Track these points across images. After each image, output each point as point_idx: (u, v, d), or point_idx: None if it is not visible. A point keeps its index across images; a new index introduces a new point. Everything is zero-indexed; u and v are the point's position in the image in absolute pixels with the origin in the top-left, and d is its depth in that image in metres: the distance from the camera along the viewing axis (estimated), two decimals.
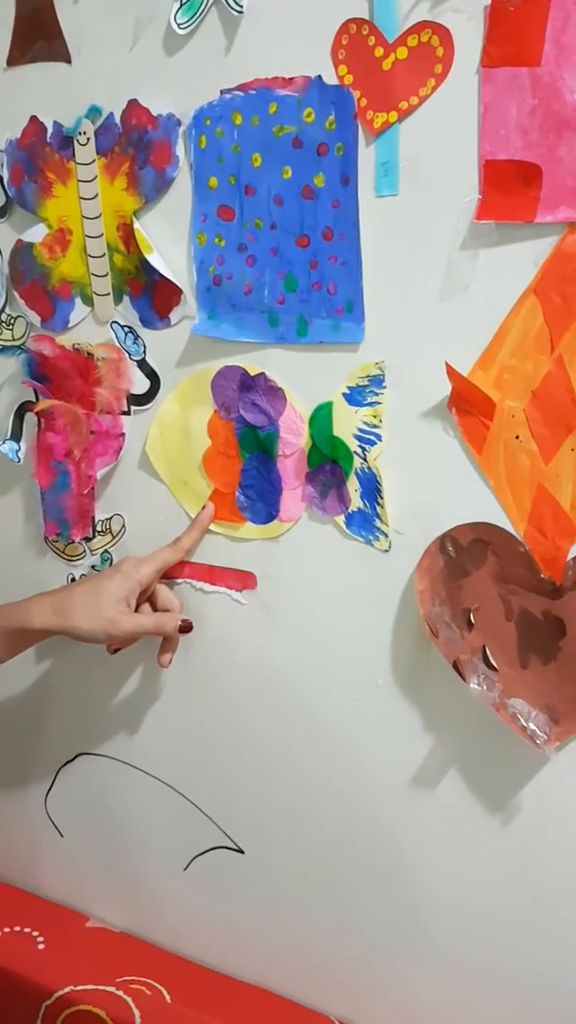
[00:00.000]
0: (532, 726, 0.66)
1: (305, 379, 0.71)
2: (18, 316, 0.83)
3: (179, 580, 0.81)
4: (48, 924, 0.97)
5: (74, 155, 0.75)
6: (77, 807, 0.97)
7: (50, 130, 0.75)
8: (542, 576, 0.64)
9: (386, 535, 0.70)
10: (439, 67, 0.59)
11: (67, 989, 0.87)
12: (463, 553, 0.66)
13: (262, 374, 0.72)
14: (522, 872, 0.72)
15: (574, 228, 0.58)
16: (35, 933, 0.96)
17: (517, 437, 0.63)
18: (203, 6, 0.66)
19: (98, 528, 0.85)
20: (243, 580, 0.79)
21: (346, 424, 0.70)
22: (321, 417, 0.70)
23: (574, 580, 0.63)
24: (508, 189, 0.59)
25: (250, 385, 0.73)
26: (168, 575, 0.81)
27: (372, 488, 0.70)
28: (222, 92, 0.67)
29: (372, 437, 0.69)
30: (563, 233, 0.58)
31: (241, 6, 0.64)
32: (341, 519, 0.72)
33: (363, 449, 0.69)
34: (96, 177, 0.74)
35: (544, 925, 0.72)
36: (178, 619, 0.78)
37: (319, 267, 0.67)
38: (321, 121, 0.64)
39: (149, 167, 0.71)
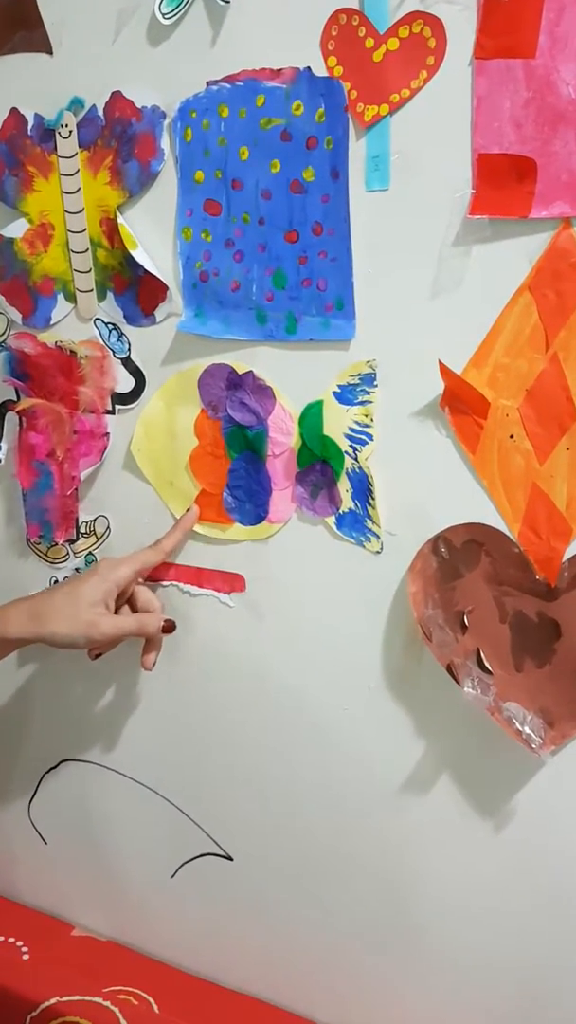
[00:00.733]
0: (527, 730, 0.65)
1: (295, 377, 0.69)
2: None
3: (165, 583, 0.80)
4: (32, 933, 0.96)
5: (56, 148, 0.73)
6: (61, 814, 0.95)
7: (31, 122, 0.73)
8: (537, 577, 0.63)
9: (378, 536, 0.69)
10: (431, 59, 0.58)
11: (53, 1000, 0.86)
12: (456, 554, 0.65)
13: (250, 372, 0.71)
14: (517, 877, 0.71)
15: (569, 224, 0.57)
16: (19, 943, 0.94)
17: (511, 436, 0.62)
18: None
19: (82, 530, 0.84)
20: (231, 582, 0.77)
21: (337, 423, 0.68)
22: (311, 416, 0.69)
23: (569, 582, 0.62)
24: (502, 184, 0.58)
25: (238, 383, 0.72)
26: (154, 577, 0.80)
27: (363, 488, 0.68)
28: (208, 84, 0.65)
29: (363, 436, 0.68)
30: (558, 229, 0.57)
31: None
32: (332, 520, 0.71)
33: (354, 449, 0.68)
34: (79, 171, 0.72)
35: (539, 930, 0.71)
36: (160, 619, 0.76)
37: (308, 263, 0.66)
38: (310, 114, 0.62)
39: (133, 160, 0.70)
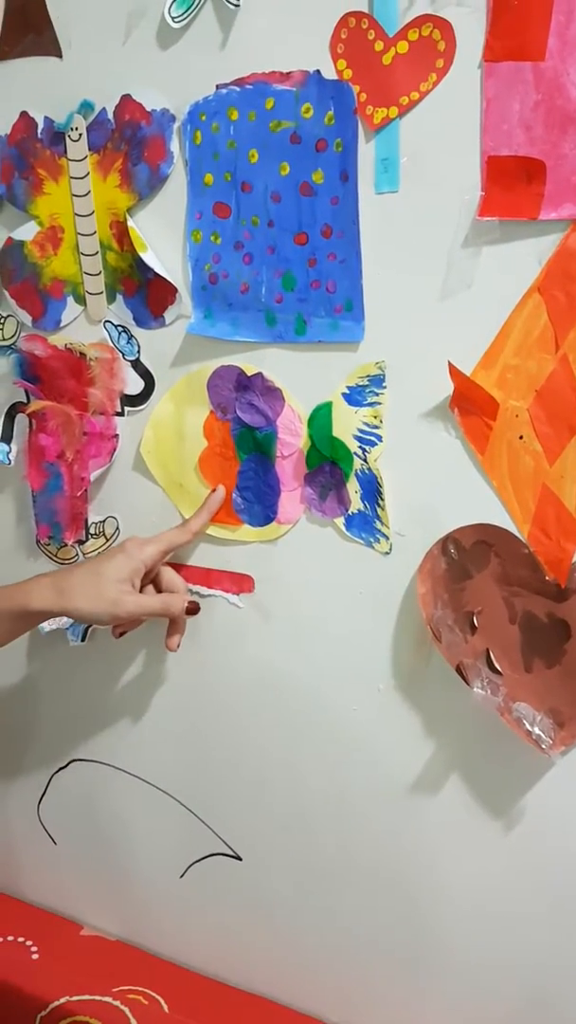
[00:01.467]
0: (537, 730, 0.65)
1: (304, 379, 0.70)
2: (8, 316, 0.81)
3: None
4: (42, 933, 0.96)
5: (66, 151, 0.73)
6: (71, 814, 0.96)
7: (41, 125, 0.74)
8: (546, 578, 0.63)
9: (387, 537, 0.69)
10: (440, 61, 0.58)
11: (63, 999, 0.86)
12: (465, 555, 0.66)
13: (259, 374, 0.71)
14: (526, 878, 0.71)
15: None
16: (28, 943, 0.95)
17: (521, 437, 0.62)
18: None
19: (91, 531, 0.84)
20: (240, 583, 0.77)
21: (346, 424, 0.69)
22: (320, 417, 0.69)
23: None
24: (511, 185, 0.58)
25: (247, 385, 0.72)
26: None
27: (372, 489, 0.69)
28: (218, 87, 0.66)
29: (372, 438, 0.68)
30: (567, 230, 0.57)
31: None
32: (341, 521, 0.71)
33: (363, 450, 0.68)
34: (88, 174, 0.73)
35: (549, 931, 0.71)
36: (184, 600, 0.75)
37: (318, 265, 0.66)
38: (320, 116, 0.63)
39: (143, 163, 0.70)
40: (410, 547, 0.68)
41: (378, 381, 0.66)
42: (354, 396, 0.68)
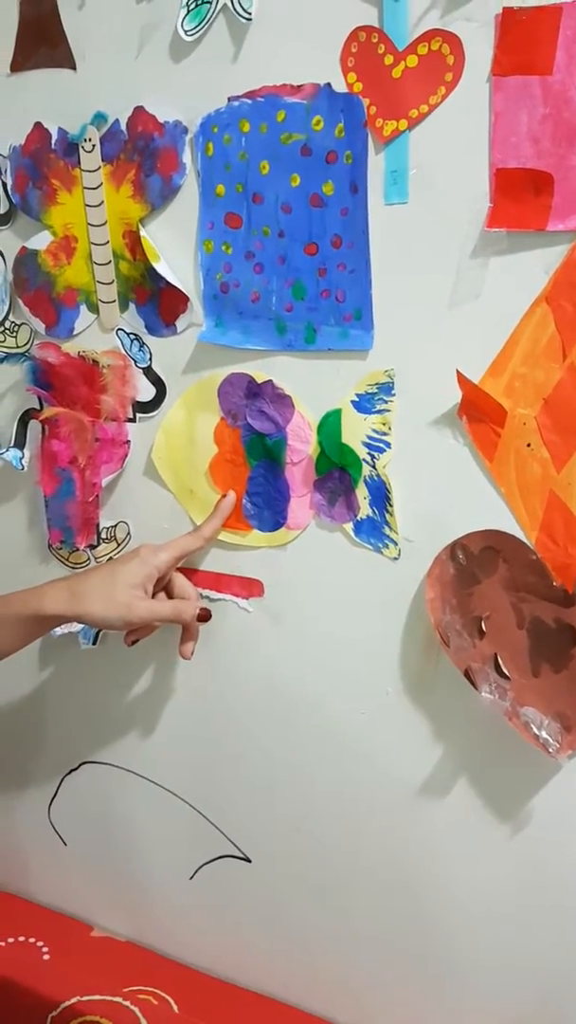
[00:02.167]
0: (544, 734, 0.66)
1: (313, 386, 0.70)
2: (22, 323, 0.82)
3: None
4: (52, 934, 0.97)
5: (79, 162, 0.74)
6: (81, 816, 0.97)
7: (55, 136, 0.75)
8: (554, 584, 0.64)
9: (395, 543, 0.70)
10: (449, 75, 0.59)
11: (73, 1000, 0.87)
12: (474, 561, 0.66)
13: (269, 381, 0.72)
14: (534, 881, 0.71)
15: None
16: (39, 943, 0.96)
17: (528, 445, 0.63)
18: (210, 13, 0.66)
19: (103, 536, 0.85)
20: (250, 588, 0.78)
21: (355, 431, 0.69)
22: (330, 424, 0.70)
23: None
24: (519, 197, 0.59)
25: (257, 392, 0.73)
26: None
27: (381, 495, 0.69)
28: (229, 99, 0.67)
29: (381, 444, 0.69)
30: (575, 241, 0.58)
31: (249, 13, 0.64)
32: (350, 527, 0.72)
33: (372, 456, 0.69)
34: (102, 184, 0.74)
35: (556, 934, 0.72)
36: (196, 606, 0.76)
37: (328, 275, 0.67)
38: (330, 129, 0.64)
39: (155, 174, 0.71)
40: (419, 553, 0.69)
41: (387, 389, 0.67)
42: (363, 403, 0.69)
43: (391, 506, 0.69)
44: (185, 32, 0.67)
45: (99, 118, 0.72)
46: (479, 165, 0.60)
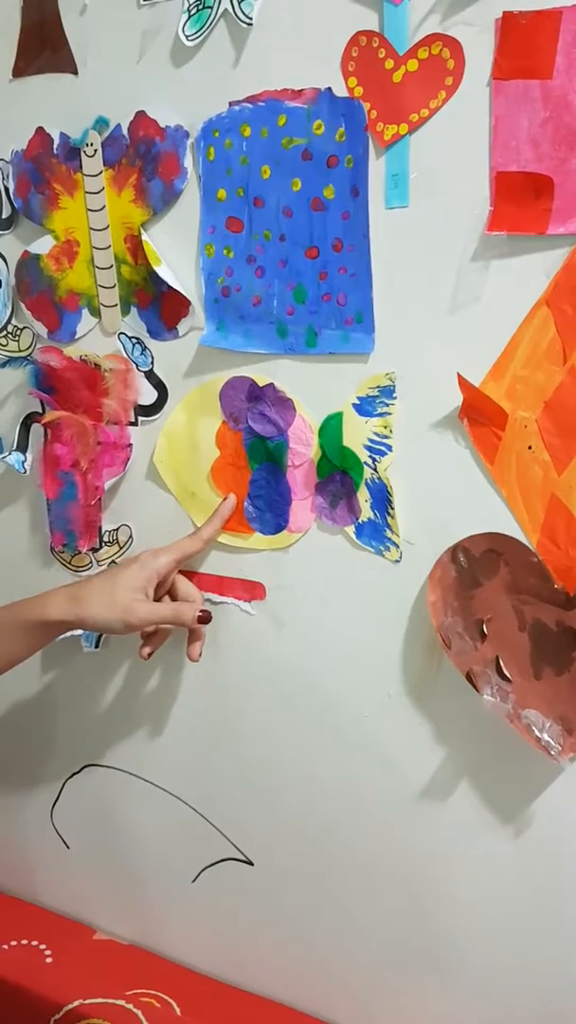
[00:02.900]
0: (546, 737, 0.66)
1: (314, 389, 0.71)
2: (24, 327, 0.83)
3: None
4: (55, 937, 0.97)
5: (81, 166, 0.74)
6: (84, 819, 0.97)
7: (56, 141, 0.75)
8: (555, 587, 0.64)
9: (397, 545, 0.70)
10: (450, 79, 0.59)
11: (76, 1003, 0.87)
12: (475, 564, 0.66)
13: (271, 384, 0.72)
14: (536, 883, 0.71)
15: None
16: (42, 946, 0.96)
17: (529, 447, 0.63)
18: (211, 18, 0.66)
19: (105, 539, 0.85)
20: (252, 591, 0.78)
21: (356, 434, 0.70)
22: (331, 427, 0.70)
23: None
24: (519, 201, 0.59)
25: (259, 396, 0.73)
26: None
27: (383, 498, 0.70)
28: (231, 104, 0.67)
29: (382, 447, 0.69)
30: (575, 245, 0.58)
31: (250, 18, 0.64)
32: (351, 529, 0.72)
33: (373, 459, 0.69)
34: (103, 189, 0.74)
35: (559, 936, 0.72)
36: (197, 608, 0.76)
37: (329, 278, 0.67)
38: (331, 133, 0.64)
39: (157, 179, 0.71)
40: (420, 555, 0.69)
41: (388, 392, 0.67)
42: (364, 406, 0.69)
43: (392, 509, 0.69)
44: (186, 37, 0.67)
45: (101, 123, 0.73)
46: (479, 169, 0.60)
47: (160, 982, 0.90)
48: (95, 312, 0.78)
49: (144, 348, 0.77)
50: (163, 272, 0.72)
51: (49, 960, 0.93)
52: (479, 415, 0.64)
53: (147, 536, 0.83)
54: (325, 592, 0.75)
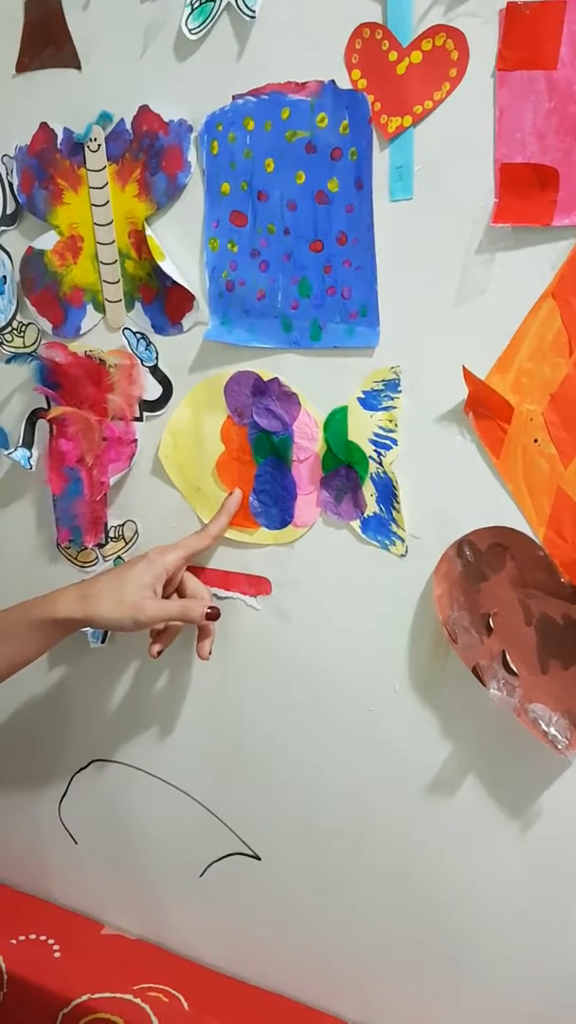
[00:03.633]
0: (553, 731, 0.65)
1: (319, 384, 0.71)
2: (29, 323, 0.83)
3: None
4: (63, 932, 0.97)
5: (85, 161, 0.74)
6: (91, 814, 0.97)
7: (60, 136, 0.75)
8: (562, 580, 0.64)
9: (402, 540, 0.70)
10: (454, 71, 0.59)
11: (84, 997, 0.87)
12: (481, 557, 0.66)
13: (276, 379, 0.72)
14: (542, 878, 0.71)
15: None
16: (50, 941, 0.96)
17: (536, 441, 0.63)
18: (214, 11, 0.66)
19: (111, 534, 0.85)
20: (257, 585, 0.78)
21: (361, 429, 0.69)
22: (336, 422, 0.70)
23: None
24: (524, 192, 0.59)
25: (264, 390, 0.73)
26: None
27: (388, 493, 0.69)
28: (234, 97, 0.67)
29: (388, 441, 0.69)
30: None
31: (253, 11, 0.64)
32: (357, 524, 0.72)
33: (379, 454, 0.69)
34: (107, 183, 0.74)
35: (567, 931, 0.72)
36: (205, 605, 0.76)
37: (333, 272, 0.67)
38: (335, 126, 0.64)
39: (161, 173, 0.71)
40: (426, 550, 0.69)
41: (393, 386, 0.67)
42: (369, 400, 0.69)
43: (398, 503, 0.69)
44: (189, 31, 0.67)
45: (104, 117, 0.73)
46: (484, 160, 0.59)
47: (168, 976, 0.90)
48: (99, 307, 0.78)
49: (149, 343, 0.77)
50: (167, 267, 0.72)
51: (57, 955, 0.94)
52: (485, 408, 0.64)
53: (153, 531, 0.83)
54: (330, 587, 0.75)
